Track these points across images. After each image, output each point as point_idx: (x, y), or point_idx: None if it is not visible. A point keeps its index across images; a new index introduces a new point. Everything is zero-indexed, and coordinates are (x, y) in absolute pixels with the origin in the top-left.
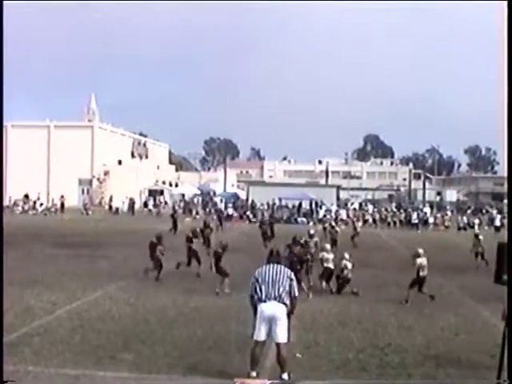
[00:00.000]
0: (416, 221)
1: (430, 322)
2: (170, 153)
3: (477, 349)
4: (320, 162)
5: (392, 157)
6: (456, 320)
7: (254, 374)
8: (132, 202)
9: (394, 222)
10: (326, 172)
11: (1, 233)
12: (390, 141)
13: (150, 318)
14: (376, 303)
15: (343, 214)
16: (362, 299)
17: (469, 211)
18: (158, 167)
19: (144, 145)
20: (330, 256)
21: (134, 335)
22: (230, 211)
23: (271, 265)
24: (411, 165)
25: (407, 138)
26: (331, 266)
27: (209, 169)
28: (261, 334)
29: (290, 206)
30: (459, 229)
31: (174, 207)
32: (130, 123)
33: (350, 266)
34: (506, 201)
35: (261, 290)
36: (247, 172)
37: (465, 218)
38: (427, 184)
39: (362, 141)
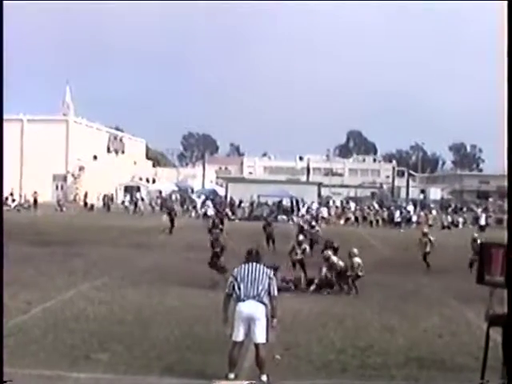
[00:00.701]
0: (399, 219)
1: (413, 323)
2: (147, 148)
3: (461, 350)
4: (301, 159)
5: (375, 153)
6: (440, 321)
7: (232, 375)
8: (108, 199)
9: (377, 221)
10: (308, 169)
11: (1, 232)
12: (374, 137)
13: (126, 317)
14: (358, 303)
15: (324, 211)
16: (343, 299)
17: (452, 209)
18: (135, 163)
19: (120, 140)
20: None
21: (109, 335)
22: (209, 209)
23: (250, 264)
24: (394, 162)
25: (391, 134)
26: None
27: (187, 164)
28: (239, 335)
29: (270, 203)
30: (443, 227)
31: (162, 203)
32: (106, 118)
33: (360, 262)
34: (506, 201)
35: (239, 288)
36: (226, 168)
37: (449, 217)
38: (411, 182)
39: (345, 137)
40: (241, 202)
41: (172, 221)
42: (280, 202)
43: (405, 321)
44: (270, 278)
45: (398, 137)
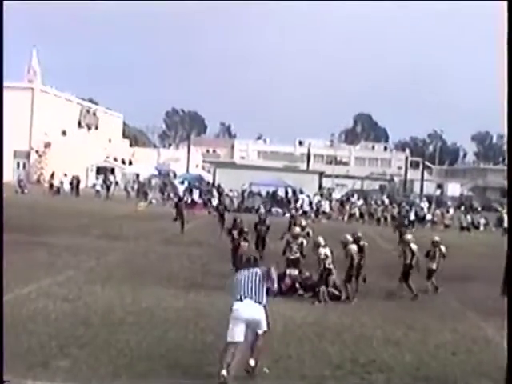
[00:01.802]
0: (412, 217)
1: (422, 337)
2: (125, 125)
3: (477, 371)
4: (301, 144)
5: (386, 141)
6: (453, 336)
7: (224, 372)
8: (77, 181)
9: (385, 218)
10: (308, 155)
11: (1, 230)
12: (385, 122)
13: (91, 318)
14: (359, 313)
15: (326, 205)
16: (343, 307)
17: (473, 208)
18: (110, 141)
19: (94, 113)
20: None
21: (72, 338)
22: (195, 197)
23: (248, 269)
24: (408, 151)
25: (405, 119)
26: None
27: (169, 145)
28: (235, 335)
29: (264, 193)
30: (462, 229)
31: (139, 189)
32: (79, 88)
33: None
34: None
35: (237, 289)
36: (215, 151)
37: (468, 217)
38: (426, 175)
39: (352, 120)
40: (230, 190)
41: (181, 215)
42: (275, 192)
43: (412, 334)
44: (268, 274)
45: (414, 123)
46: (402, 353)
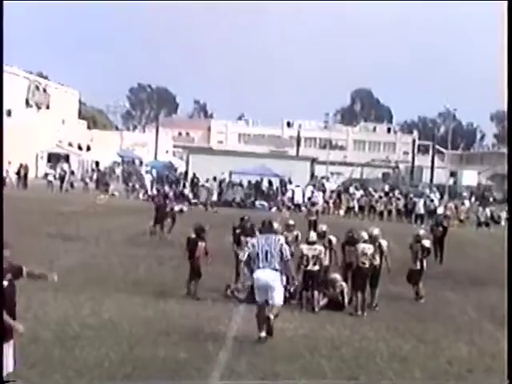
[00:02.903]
0: (421, 211)
1: (433, 351)
2: (81, 103)
3: None
4: (289, 125)
5: (390, 121)
6: (469, 351)
7: (263, 334)
8: (24, 170)
9: (389, 212)
10: (298, 139)
11: (1, 229)
12: (388, 99)
13: (43, 333)
14: (359, 323)
15: (319, 197)
16: (341, 317)
17: (492, 200)
18: (63, 122)
19: (44, 90)
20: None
21: (20, 357)
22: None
23: (265, 235)
24: (416, 133)
25: (412, 96)
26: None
27: (134, 128)
28: (260, 299)
29: (246, 183)
30: (479, 224)
31: (99, 179)
32: (27, 61)
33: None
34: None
35: (256, 258)
36: (188, 134)
37: (487, 210)
38: (437, 161)
39: (350, 98)
40: (207, 180)
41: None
42: (259, 182)
43: (422, 348)
44: (281, 245)
45: (422, 100)
46: (410, 369)
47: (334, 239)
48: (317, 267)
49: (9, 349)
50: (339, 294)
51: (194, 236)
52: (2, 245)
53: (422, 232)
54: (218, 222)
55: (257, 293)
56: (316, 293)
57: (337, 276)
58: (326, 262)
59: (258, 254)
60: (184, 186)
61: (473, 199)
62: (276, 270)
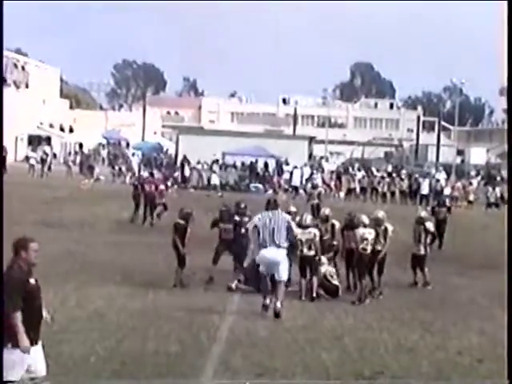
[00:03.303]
0: (426, 192)
1: (441, 342)
2: (63, 81)
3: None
4: (285, 102)
5: (392, 97)
6: (480, 340)
7: (267, 301)
8: (3, 153)
9: (392, 193)
10: (294, 117)
11: (1, 228)
12: (390, 73)
13: None
14: (362, 312)
15: (318, 179)
16: (342, 306)
17: (502, 179)
18: (44, 102)
19: (23, 68)
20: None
21: None
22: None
23: (270, 211)
24: (420, 109)
25: (415, 69)
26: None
27: (120, 107)
28: (266, 271)
29: (240, 165)
30: (489, 205)
31: (82, 162)
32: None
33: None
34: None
35: (262, 236)
36: (177, 113)
37: (497, 190)
38: (443, 138)
39: (349, 72)
40: (198, 162)
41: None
42: (254, 163)
43: (430, 338)
44: (288, 222)
45: (426, 74)
46: (416, 361)
47: (337, 224)
48: (312, 252)
49: (36, 353)
50: (323, 277)
51: (182, 222)
52: (3, 242)
53: (423, 213)
54: (212, 204)
55: (261, 268)
56: (315, 279)
57: (322, 257)
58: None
59: (263, 231)
60: (174, 168)
61: (482, 178)
62: (281, 247)
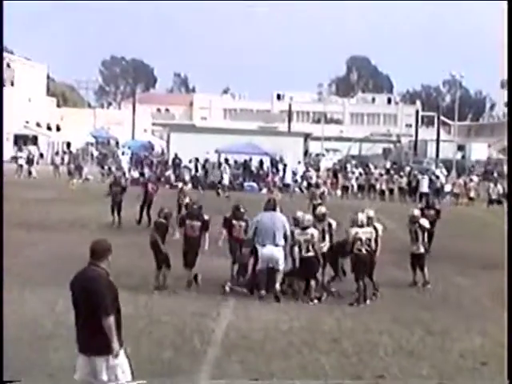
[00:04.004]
0: (426, 189)
1: (443, 344)
2: (50, 79)
3: None
4: (279, 98)
5: (390, 91)
6: (483, 341)
7: (263, 292)
8: None
9: (391, 190)
10: (289, 113)
11: (1, 229)
12: (388, 67)
13: (10, 332)
14: (362, 313)
15: (313, 176)
16: (340, 307)
17: (504, 175)
18: (30, 100)
19: (8, 65)
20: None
21: None
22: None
23: (268, 212)
24: (419, 104)
25: (414, 62)
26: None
27: (109, 104)
28: (263, 266)
29: (233, 163)
30: (490, 202)
31: (70, 162)
32: None
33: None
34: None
35: (260, 234)
36: (168, 110)
37: (499, 186)
38: (443, 133)
39: (345, 66)
40: (190, 161)
41: (119, 210)
42: (247, 161)
43: (431, 340)
44: (284, 222)
45: (425, 67)
46: (417, 364)
47: (333, 223)
48: (311, 253)
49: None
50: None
51: (164, 221)
52: (3, 244)
53: (416, 212)
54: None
55: (260, 262)
56: (313, 282)
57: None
58: (325, 248)
59: (261, 231)
60: (165, 167)
61: (483, 175)
62: (279, 245)
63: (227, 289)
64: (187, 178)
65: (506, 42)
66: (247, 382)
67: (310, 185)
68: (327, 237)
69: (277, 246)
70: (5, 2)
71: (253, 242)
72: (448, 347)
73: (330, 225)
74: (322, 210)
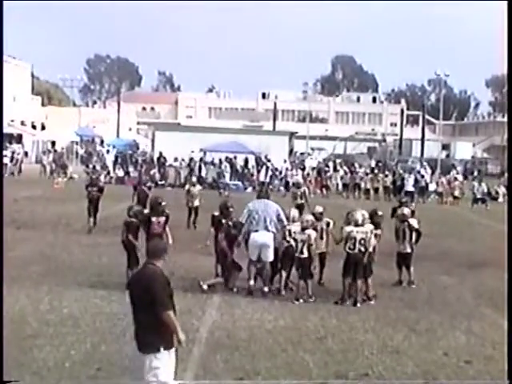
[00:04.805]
0: (411, 188)
1: (428, 342)
2: (34, 77)
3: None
4: (265, 97)
5: (375, 90)
6: (467, 340)
7: (252, 282)
8: None
9: (376, 190)
10: (274, 111)
11: (1, 230)
12: (373, 66)
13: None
14: (346, 312)
15: (298, 175)
16: (325, 306)
17: (489, 174)
18: (14, 99)
19: None
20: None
21: None
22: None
23: (261, 200)
24: (404, 103)
25: (399, 61)
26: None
27: (94, 103)
28: (254, 256)
29: (218, 161)
30: (475, 201)
31: (55, 160)
32: None
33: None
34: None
35: (253, 221)
36: (153, 109)
37: (484, 185)
38: (428, 132)
39: (330, 65)
40: (175, 159)
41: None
42: (231, 160)
43: (415, 338)
44: (278, 213)
45: (410, 66)
46: (402, 362)
47: (331, 222)
48: (305, 255)
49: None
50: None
51: (135, 220)
52: (3, 243)
53: (406, 211)
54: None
55: (251, 251)
56: (302, 283)
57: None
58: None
59: (254, 217)
60: (150, 166)
61: (468, 173)
62: (270, 231)
63: (204, 287)
64: (194, 179)
65: (506, 41)
66: (232, 381)
67: (289, 184)
68: (325, 236)
69: (268, 231)
70: None
71: (243, 227)
72: (432, 345)
73: (328, 224)
74: (319, 209)
